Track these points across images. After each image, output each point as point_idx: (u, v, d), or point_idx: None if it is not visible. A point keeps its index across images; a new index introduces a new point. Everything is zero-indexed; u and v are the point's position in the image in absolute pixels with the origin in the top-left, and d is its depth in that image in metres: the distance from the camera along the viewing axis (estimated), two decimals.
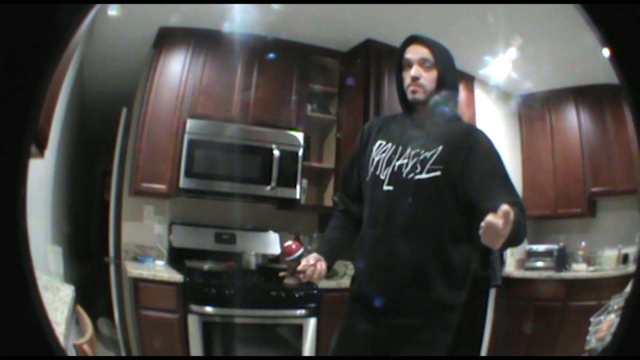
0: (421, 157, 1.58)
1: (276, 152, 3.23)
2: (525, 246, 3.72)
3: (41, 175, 2.35)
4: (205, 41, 3.23)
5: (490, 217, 1.28)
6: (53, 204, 2.70)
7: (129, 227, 3.21)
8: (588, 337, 2.14)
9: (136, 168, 3.13)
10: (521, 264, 3.67)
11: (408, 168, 1.58)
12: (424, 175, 1.56)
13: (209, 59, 3.25)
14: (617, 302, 2.12)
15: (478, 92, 3.74)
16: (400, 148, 1.62)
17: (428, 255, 1.56)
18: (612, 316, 2.08)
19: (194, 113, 3.19)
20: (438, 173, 1.55)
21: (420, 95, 1.62)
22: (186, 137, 3.14)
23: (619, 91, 1.00)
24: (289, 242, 1.58)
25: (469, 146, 1.58)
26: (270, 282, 2.98)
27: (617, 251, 3.35)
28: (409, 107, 1.68)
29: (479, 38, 3.20)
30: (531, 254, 3.65)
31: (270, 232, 3.43)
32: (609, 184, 3.44)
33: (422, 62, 1.63)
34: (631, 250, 3.22)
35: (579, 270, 3.43)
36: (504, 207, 1.28)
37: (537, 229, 3.81)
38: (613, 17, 0.95)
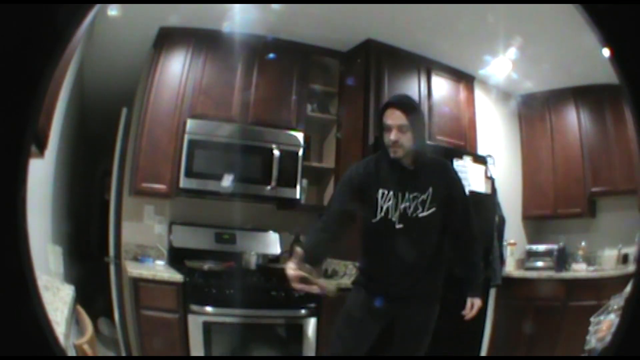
0: (420, 200, 2.10)
1: (276, 152, 3.23)
2: (525, 246, 3.72)
3: (41, 175, 2.35)
4: (205, 41, 3.23)
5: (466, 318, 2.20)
6: (53, 204, 2.69)
7: (129, 227, 3.21)
8: (588, 337, 2.14)
9: (136, 168, 3.13)
10: (521, 264, 3.68)
11: (411, 209, 2.10)
12: (425, 213, 2.11)
13: (209, 59, 3.25)
14: (617, 302, 2.12)
15: (478, 92, 3.75)
16: (400, 194, 2.11)
17: (428, 262, 2.16)
18: (612, 316, 2.08)
19: (194, 113, 3.19)
20: (434, 209, 2.11)
21: (400, 154, 2.09)
22: (186, 137, 3.14)
23: (619, 91, 1.01)
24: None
25: (446, 183, 2.16)
26: (270, 282, 2.98)
27: (617, 251, 3.35)
28: (392, 158, 2.13)
29: (479, 38, 3.20)
30: (531, 254, 3.65)
31: (270, 232, 3.43)
32: (609, 184, 3.44)
33: (399, 128, 2.06)
34: (631, 250, 3.22)
35: (579, 270, 3.43)
36: (470, 305, 2.19)
37: (537, 229, 3.81)
38: (613, 17, 0.95)
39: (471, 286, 2.22)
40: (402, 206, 2.10)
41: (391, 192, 2.11)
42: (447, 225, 2.18)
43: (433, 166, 2.18)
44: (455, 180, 2.22)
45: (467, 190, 2.26)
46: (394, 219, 2.11)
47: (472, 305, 2.19)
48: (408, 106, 2.09)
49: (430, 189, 2.10)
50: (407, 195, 2.10)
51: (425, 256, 2.15)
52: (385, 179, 2.13)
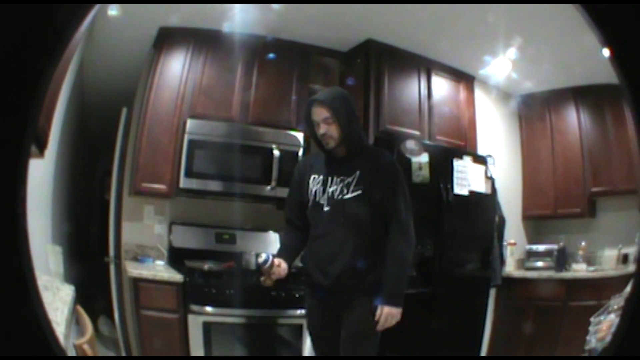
0: (345, 182, 2.15)
1: (276, 152, 3.23)
2: (525, 246, 3.72)
3: (41, 175, 2.36)
4: (205, 41, 3.23)
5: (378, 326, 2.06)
6: (53, 204, 2.70)
7: (129, 227, 3.21)
8: (588, 337, 2.14)
9: (136, 168, 3.12)
10: (521, 264, 3.68)
11: (337, 191, 2.15)
12: (350, 195, 2.13)
13: (209, 59, 3.25)
14: (617, 302, 2.12)
15: (478, 92, 3.75)
16: (328, 178, 2.18)
17: (357, 249, 2.12)
18: (612, 316, 2.08)
19: (194, 113, 3.19)
20: (359, 192, 2.12)
21: (332, 144, 2.16)
22: (186, 137, 3.14)
23: (619, 91, 1.01)
24: (261, 256, 2.10)
25: (376, 167, 2.16)
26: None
27: (617, 251, 3.35)
28: (326, 149, 2.19)
29: (479, 38, 3.21)
30: (531, 254, 3.65)
31: (270, 232, 3.43)
32: (609, 184, 3.44)
33: (325, 120, 2.13)
34: (631, 250, 3.22)
35: (579, 270, 3.43)
36: (377, 315, 2.05)
37: (537, 229, 3.82)
38: (613, 17, 0.95)
39: (381, 290, 2.06)
40: (330, 189, 2.16)
41: (320, 177, 2.20)
42: (381, 212, 2.14)
43: (367, 154, 2.21)
44: (385, 165, 2.19)
45: (401, 178, 2.18)
46: (321, 202, 2.16)
47: (381, 313, 2.03)
48: (329, 99, 2.15)
49: (357, 172, 2.13)
50: (334, 178, 2.16)
51: (356, 241, 2.11)
52: (318, 167, 2.23)
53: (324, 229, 2.17)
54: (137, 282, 2.82)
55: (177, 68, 3.22)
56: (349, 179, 2.14)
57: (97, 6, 1.03)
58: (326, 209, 2.15)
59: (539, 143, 3.78)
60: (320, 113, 2.15)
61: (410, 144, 3.26)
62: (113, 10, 2.74)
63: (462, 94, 3.69)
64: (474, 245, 3.43)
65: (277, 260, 2.11)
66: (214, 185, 3.17)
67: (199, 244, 3.26)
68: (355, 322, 2.11)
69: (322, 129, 2.14)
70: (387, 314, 2.04)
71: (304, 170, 2.29)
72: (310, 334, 2.32)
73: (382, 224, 2.14)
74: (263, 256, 2.10)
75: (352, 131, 2.16)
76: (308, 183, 2.23)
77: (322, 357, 2.25)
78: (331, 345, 2.17)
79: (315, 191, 2.19)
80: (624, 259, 3.29)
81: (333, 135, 2.14)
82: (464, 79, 3.70)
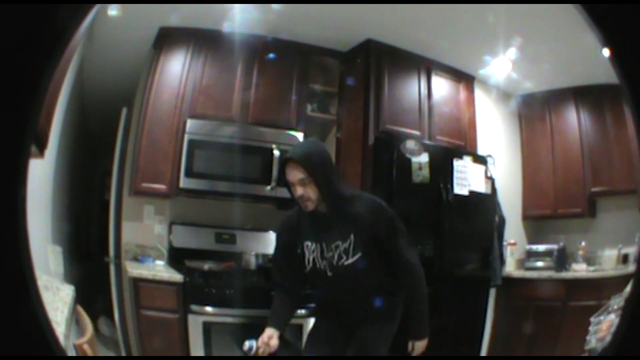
0: (342, 249, 2.07)
1: (276, 152, 3.23)
2: (525, 246, 3.72)
3: (41, 175, 2.35)
4: (205, 41, 3.23)
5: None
6: (53, 204, 2.69)
7: (129, 227, 3.21)
8: (588, 337, 2.14)
9: (136, 168, 3.13)
10: (521, 264, 3.68)
11: (335, 259, 2.08)
12: (350, 261, 2.07)
13: (209, 59, 3.25)
14: (617, 302, 2.12)
15: (478, 92, 3.75)
16: (322, 245, 2.10)
17: (367, 306, 2.13)
18: (612, 316, 2.08)
19: (194, 113, 3.19)
20: (359, 254, 2.06)
21: (311, 206, 2.06)
22: (186, 137, 3.14)
23: (619, 91, 1.00)
24: (245, 345, 2.14)
25: (369, 223, 2.06)
26: (270, 282, 2.98)
27: (617, 251, 3.35)
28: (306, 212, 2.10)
29: (479, 38, 3.20)
30: (531, 254, 3.65)
31: (270, 232, 3.42)
32: (609, 184, 3.44)
33: (300, 182, 2.02)
34: (631, 250, 3.22)
35: (579, 270, 3.43)
36: (411, 346, 2.13)
37: (537, 229, 3.82)
38: (613, 17, 0.95)
39: (410, 326, 2.16)
40: (328, 255, 2.09)
41: (314, 244, 2.12)
42: (384, 257, 2.13)
43: (353, 208, 2.08)
44: (378, 219, 2.09)
45: (391, 214, 2.12)
46: (322, 268, 2.11)
47: (413, 348, 2.14)
48: (303, 158, 2.02)
49: (352, 237, 2.06)
50: (329, 245, 2.09)
51: (367, 294, 2.12)
52: (307, 231, 2.14)
53: (332, 293, 2.17)
54: (137, 282, 2.82)
55: (177, 68, 3.22)
56: (345, 245, 2.08)
57: (97, 6, 1.03)
58: (329, 274, 2.11)
59: (539, 143, 3.78)
60: (294, 175, 2.03)
61: (410, 144, 3.26)
62: (113, 10, 2.74)
63: (462, 94, 3.69)
64: (474, 245, 3.43)
65: (266, 337, 2.09)
66: (214, 185, 3.17)
67: (199, 244, 3.26)
68: (372, 339, 2.15)
69: (299, 191, 2.03)
70: (419, 347, 2.14)
71: (291, 235, 2.20)
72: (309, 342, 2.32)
73: (386, 268, 2.13)
74: (247, 344, 2.12)
75: (331, 189, 2.04)
76: (303, 251, 2.16)
77: (322, 357, 2.24)
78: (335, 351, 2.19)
79: (314, 259, 2.14)
80: (624, 259, 3.29)
81: (311, 197, 2.04)
82: (464, 79, 3.70)
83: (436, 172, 3.28)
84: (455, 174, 3.37)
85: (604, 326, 2.09)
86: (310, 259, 2.14)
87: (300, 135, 3.32)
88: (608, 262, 3.41)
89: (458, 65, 3.64)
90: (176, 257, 3.17)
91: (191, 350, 2.78)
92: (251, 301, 2.89)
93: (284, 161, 2.08)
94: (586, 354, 2.13)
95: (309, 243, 2.14)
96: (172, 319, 2.81)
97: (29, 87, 0.89)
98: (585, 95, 3.60)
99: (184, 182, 3.12)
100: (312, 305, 2.86)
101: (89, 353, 1.61)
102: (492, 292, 3.50)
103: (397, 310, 2.20)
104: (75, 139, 3.15)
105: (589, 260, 3.48)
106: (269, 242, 3.39)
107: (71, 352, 1.53)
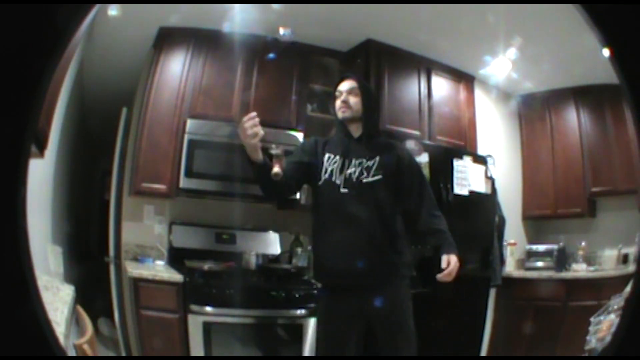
0: (365, 165, 2.12)
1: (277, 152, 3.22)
2: (525, 246, 3.72)
3: (41, 175, 2.35)
4: (205, 41, 3.23)
5: (444, 275, 2.13)
6: (53, 204, 2.69)
7: (129, 227, 3.21)
8: (588, 337, 2.14)
9: (136, 168, 3.12)
10: (521, 264, 3.68)
11: (356, 174, 2.11)
12: (370, 179, 2.10)
13: (209, 59, 3.25)
14: (617, 302, 2.12)
15: (478, 92, 3.74)
16: (346, 159, 2.14)
17: (378, 234, 2.09)
18: (612, 316, 2.08)
19: (194, 113, 3.19)
20: (380, 177, 2.11)
21: (348, 114, 2.17)
22: (186, 137, 3.14)
23: (619, 91, 1.00)
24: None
25: (397, 157, 2.17)
26: (270, 282, 2.98)
27: (617, 251, 3.35)
28: (344, 125, 2.20)
29: (479, 38, 3.20)
30: (531, 254, 3.65)
31: (270, 232, 3.43)
32: (609, 184, 3.44)
33: (349, 91, 2.19)
34: (631, 250, 3.22)
35: (579, 270, 3.43)
36: (446, 261, 2.14)
37: (537, 229, 3.81)
38: (613, 17, 0.95)
39: (442, 245, 2.18)
40: (348, 171, 2.11)
41: (337, 157, 2.15)
42: (402, 202, 2.15)
43: (384, 143, 2.22)
44: (405, 156, 2.22)
45: (422, 171, 2.29)
46: (338, 182, 2.11)
47: (449, 261, 2.13)
48: (362, 80, 2.23)
49: (377, 158, 2.12)
50: (353, 161, 2.13)
51: (375, 229, 2.07)
52: (334, 146, 2.20)
53: (343, 213, 2.10)
54: (137, 282, 2.81)
55: (177, 68, 3.22)
56: (369, 163, 2.12)
57: (97, 6, 1.03)
58: (343, 190, 2.10)
59: (539, 143, 3.77)
60: (348, 84, 2.19)
61: (410, 144, 3.26)
62: (113, 10, 2.73)
63: (462, 94, 3.69)
64: (474, 245, 3.43)
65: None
66: (214, 185, 3.17)
67: (199, 244, 3.25)
68: (395, 307, 2.10)
69: (344, 97, 2.17)
70: (454, 261, 2.15)
71: (315, 145, 2.23)
72: (325, 338, 2.20)
73: (399, 210, 2.15)
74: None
75: (371, 112, 2.19)
76: (322, 161, 2.16)
77: (322, 357, 2.24)
78: (353, 346, 2.10)
79: (332, 171, 2.13)
80: (624, 259, 3.29)
81: (352, 106, 2.16)
82: (464, 79, 3.70)
83: (436, 172, 3.27)
84: (455, 174, 3.37)
85: (604, 326, 2.09)
86: (328, 169, 2.14)
87: (300, 135, 3.32)
88: (608, 262, 3.41)
89: (458, 66, 3.64)
90: (176, 257, 3.17)
91: (191, 350, 2.78)
92: (251, 301, 2.89)
93: (343, 75, 2.27)
94: (586, 354, 2.13)
95: (331, 155, 2.17)
96: (172, 319, 2.81)
97: (29, 87, 0.89)
98: (585, 95, 3.60)
99: (184, 182, 3.11)
100: (312, 305, 2.88)
101: (89, 353, 1.61)
102: (492, 292, 3.49)
103: (403, 275, 2.15)
104: (75, 139, 3.15)
105: (589, 260, 3.48)
106: (269, 242, 3.39)
107: (71, 352, 1.53)
